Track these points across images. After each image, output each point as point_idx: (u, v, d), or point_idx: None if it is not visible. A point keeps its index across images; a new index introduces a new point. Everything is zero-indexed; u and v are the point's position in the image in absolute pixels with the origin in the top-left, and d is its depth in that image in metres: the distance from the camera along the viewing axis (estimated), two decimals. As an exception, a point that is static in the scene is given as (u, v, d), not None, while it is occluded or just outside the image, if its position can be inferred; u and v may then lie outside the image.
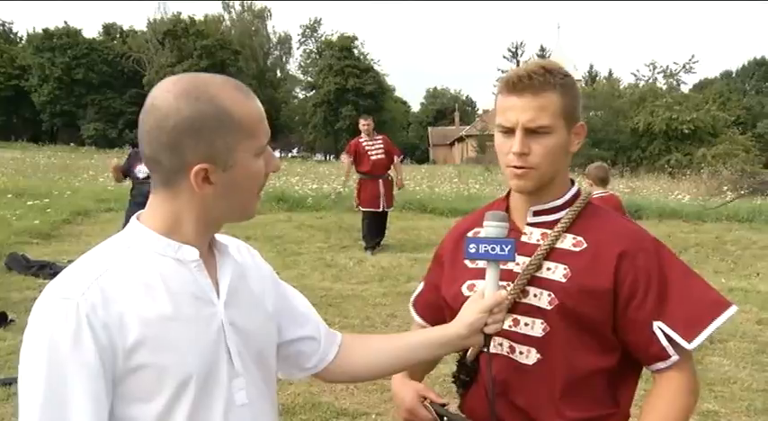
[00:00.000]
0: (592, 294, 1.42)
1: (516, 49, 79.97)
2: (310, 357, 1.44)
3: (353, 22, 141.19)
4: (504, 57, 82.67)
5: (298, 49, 70.05)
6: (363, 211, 9.81)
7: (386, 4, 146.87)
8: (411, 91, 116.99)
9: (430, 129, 70.00)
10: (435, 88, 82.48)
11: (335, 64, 57.11)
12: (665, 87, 40.32)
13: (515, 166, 1.45)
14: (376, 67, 60.93)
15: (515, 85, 1.44)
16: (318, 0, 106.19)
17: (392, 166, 9.99)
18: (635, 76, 43.28)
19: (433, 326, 1.62)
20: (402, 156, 11.10)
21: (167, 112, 1.11)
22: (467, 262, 1.54)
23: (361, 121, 9.98)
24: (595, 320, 1.43)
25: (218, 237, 1.31)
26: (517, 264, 1.47)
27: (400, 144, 62.93)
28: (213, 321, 1.18)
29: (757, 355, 5.50)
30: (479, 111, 72.15)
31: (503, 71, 79.85)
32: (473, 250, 1.38)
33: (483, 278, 1.42)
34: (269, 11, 67.17)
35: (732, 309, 1.44)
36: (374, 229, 9.85)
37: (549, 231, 1.50)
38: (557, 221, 1.51)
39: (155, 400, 1.11)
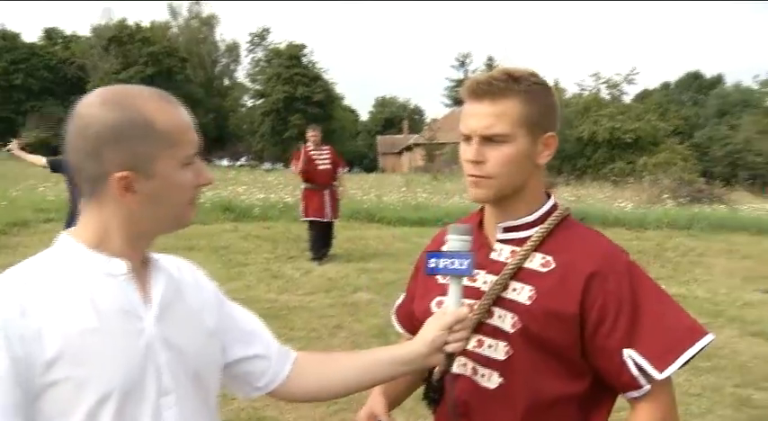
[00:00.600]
0: (557, 318, 1.34)
1: (464, 58, 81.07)
2: (261, 376, 1.41)
3: (302, 30, 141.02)
4: (453, 66, 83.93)
5: (246, 57, 69.52)
6: (309, 222, 9.77)
7: (335, 13, 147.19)
8: (360, 100, 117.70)
9: (378, 137, 70.17)
10: (384, 97, 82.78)
11: (284, 72, 56.82)
12: (608, 97, 41.40)
13: (471, 175, 1.40)
14: (325, 75, 60.83)
15: (474, 91, 1.40)
16: (268, 0, 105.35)
17: (337, 177, 10.00)
18: (580, 86, 44.32)
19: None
20: (347, 169, 11.13)
21: (90, 121, 1.12)
22: (438, 277, 1.46)
23: (309, 132, 9.95)
24: (561, 345, 1.36)
25: (159, 255, 1.30)
26: (485, 282, 1.43)
27: (349, 152, 63.27)
28: (141, 336, 1.15)
29: (694, 360, 5.62)
30: (428, 120, 72.72)
31: (451, 80, 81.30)
32: (432, 265, 1.35)
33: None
34: (217, 18, 66.58)
35: (708, 338, 1.37)
36: (321, 239, 9.80)
37: (518, 249, 1.42)
38: (527, 239, 1.43)
39: (74, 415, 1.08)
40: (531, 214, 1.45)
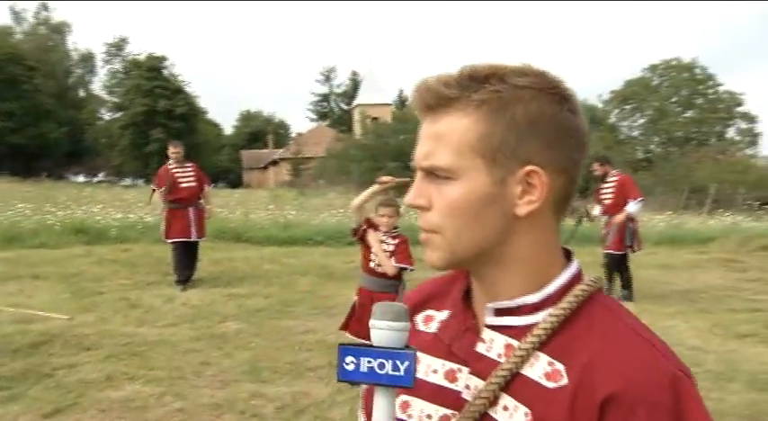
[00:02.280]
0: None
1: (329, 72, 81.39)
2: None
3: (162, 41, 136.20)
4: (317, 80, 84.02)
5: (102, 67, 66.27)
6: (173, 243, 9.12)
7: (197, 24, 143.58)
8: (224, 114, 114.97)
9: (243, 152, 69.01)
10: (249, 111, 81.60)
11: (144, 84, 54.56)
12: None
13: (419, 226, 0.93)
14: (187, 88, 59.02)
15: (417, 103, 0.91)
16: (127, 4, 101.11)
17: (202, 195, 9.43)
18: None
19: None
20: (212, 185, 10.58)
21: None
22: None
23: (171, 148, 9.31)
24: None
25: None
26: (468, 387, 0.93)
27: (213, 167, 62.02)
28: None
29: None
30: (293, 135, 72.40)
31: (316, 95, 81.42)
32: (350, 367, 0.83)
33: (429, 396, 0.96)
34: (69, 26, 62.99)
35: None
36: (185, 262, 9.19)
37: (516, 343, 0.90)
38: (529, 328, 0.90)
39: None
40: (534, 292, 0.92)
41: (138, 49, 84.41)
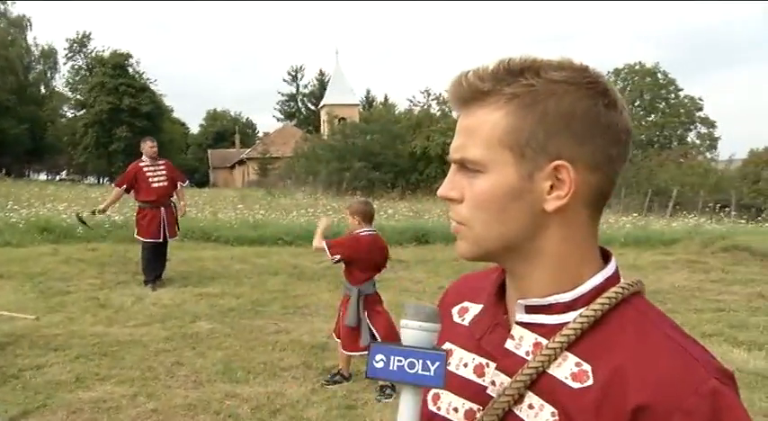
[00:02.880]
0: None
1: (296, 72, 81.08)
2: None
3: (127, 38, 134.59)
4: (285, 80, 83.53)
5: (65, 64, 65.15)
6: (143, 242, 8.99)
7: (162, 21, 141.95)
8: (190, 112, 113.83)
9: (210, 151, 68.46)
10: (215, 110, 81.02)
11: (108, 82, 53.87)
12: (438, 114, 42.90)
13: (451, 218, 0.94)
14: (152, 86, 58.40)
15: (450, 96, 0.92)
16: (88, 2, 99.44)
17: (175, 193, 9.32)
18: (411, 102, 45.72)
19: None
20: (186, 183, 10.47)
21: None
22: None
23: (149, 143, 9.14)
24: None
25: None
26: (494, 383, 0.92)
27: (179, 166, 61.28)
28: None
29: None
30: (260, 134, 72.06)
31: (283, 94, 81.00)
32: (380, 365, 0.83)
33: (458, 389, 0.94)
34: (29, 21, 61.70)
35: None
36: (154, 261, 9.06)
37: (545, 342, 0.89)
38: (560, 327, 0.89)
39: None
40: (566, 290, 0.90)
41: (102, 45, 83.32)
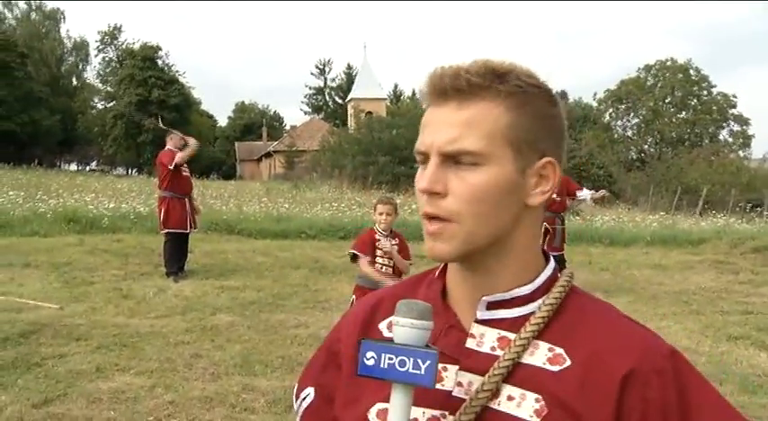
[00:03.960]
0: None
1: (324, 65, 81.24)
2: None
3: (157, 31, 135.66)
4: (312, 73, 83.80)
5: (96, 56, 65.99)
6: (167, 233, 9.06)
7: (192, 14, 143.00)
8: (218, 105, 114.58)
9: (237, 144, 68.85)
10: (243, 102, 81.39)
11: (138, 74, 54.33)
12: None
13: (425, 215, 0.91)
14: (181, 79, 58.83)
15: (437, 88, 0.91)
16: (120, 0, 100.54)
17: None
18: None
19: None
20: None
21: None
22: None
23: (177, 136, 9.29)
24: None
25: None
26: (460, 384, 0.92)
27: (207, 159, 61.86)
28: None
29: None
30: (287, 127, 72.29)
31: (310, 88, 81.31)
32: (371, 362, 0.83)
33: (413, 400, 0.89)
34: (62, 13, 62.55)
35: None
36: (178, 253, 9.14)
37: (510, 335, 0.92)
38: (523, 319, 0.92)
39: None
40: (526, 283, 0.94)
41: (133, 37, 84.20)
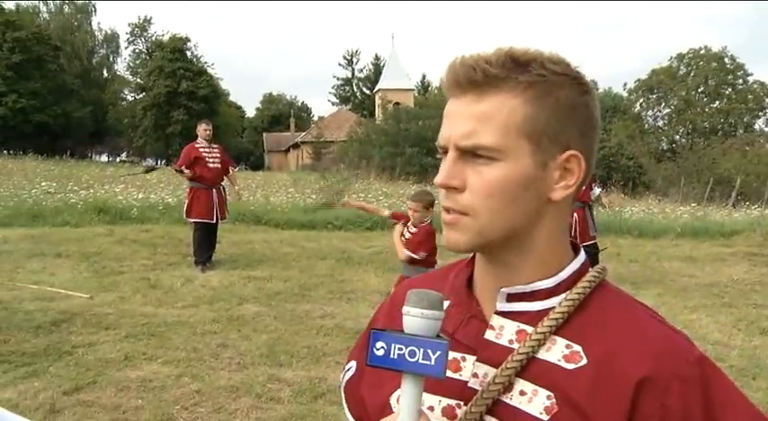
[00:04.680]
0: None
1: (351, 56, 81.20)
2: None
3: (186, 22, 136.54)
4: (340, 64, 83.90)
5: (126, 48, 66.88)
6: (195, 223, 9.14)
7: (220, 5, 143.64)
8: (246, 96, 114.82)
9: (265, 134, 69.20)
10: (271, 94, 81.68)
11: (167, 66, 54.77)
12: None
13: (444, 207, 0.90)
14: (210, 70, 59.22)
15: (455, 80, 0.88)
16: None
17: (227, 178, 9.50)
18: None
19: None
20: (237, 168, 10.68)
21: None
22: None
23: (204, 126, 9.33)
24: None
25: None
26: (476, 375, 0.91)
27: (235, 150, 62.29)
28: None
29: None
30: (315, 118, 72.49)
31: (338, 79, 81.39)
32: (380, 352, 0.82)
33: (430, 387, 0.89)
34: (93, 6, 63.30)
35: None
36: (206, 243, 9.22)
37: (529, 329, 0.90)
38: (544, 313, 0.90)
39: None
40: (549, 277, 0.92)
41: (162, 29, 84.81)
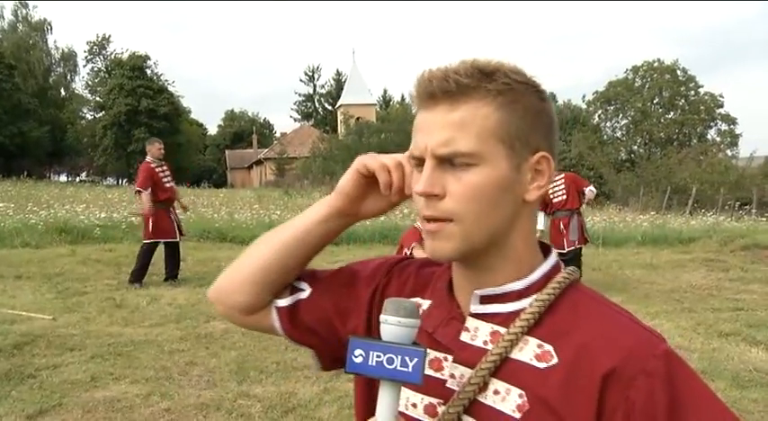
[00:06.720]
0: None
1: (313, 72, 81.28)
2: None
3: (145, 40, 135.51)
4: (302, 80, 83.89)
5: (84, 66, 65.78)
6: (150, 243, 9.10)
7: (180, 23, 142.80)
8: (208, 113, 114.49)
9: (227, 152, 68.82)
10: (233, 111, 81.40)
11: (127, 84, 54.21)
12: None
13: (425, 217, 0.93)
14: (170, 88, 58.75)
15: (426, 91, 0.92)
16: (109, 2, 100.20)
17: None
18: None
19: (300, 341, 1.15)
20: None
21: None
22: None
23: (157, 145, 9.31)
24: None
25: None
26: (453, 376, 0.95)
27: (197, 167, 61.65)
28: None
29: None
30: (277, 134, 72.33)
31: (300, 95, 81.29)
32: (359, 360, 0.85)
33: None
34: (49, 24, 62.31)
35: None
36: (171, 261, 9.25)
37: (502, 330, 0.94)
38: (516, 314, 0.94)
39: None
40: (520, 278, 0.96)
41: (121, 47, 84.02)
